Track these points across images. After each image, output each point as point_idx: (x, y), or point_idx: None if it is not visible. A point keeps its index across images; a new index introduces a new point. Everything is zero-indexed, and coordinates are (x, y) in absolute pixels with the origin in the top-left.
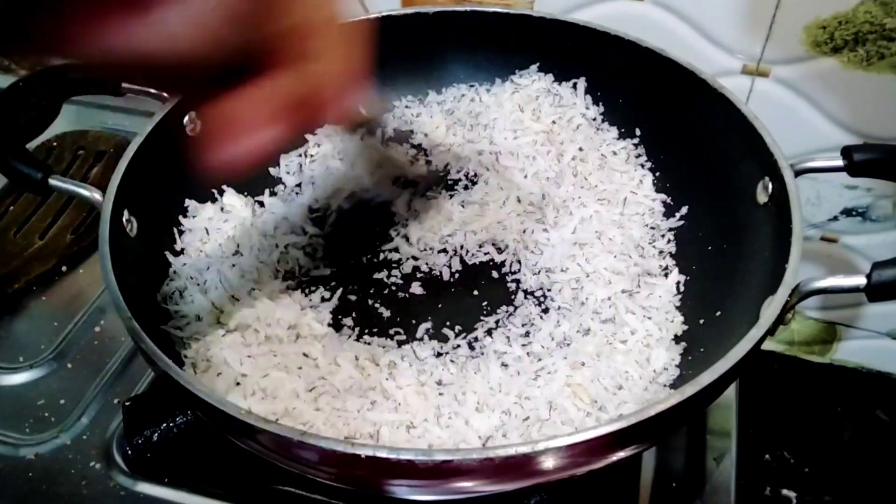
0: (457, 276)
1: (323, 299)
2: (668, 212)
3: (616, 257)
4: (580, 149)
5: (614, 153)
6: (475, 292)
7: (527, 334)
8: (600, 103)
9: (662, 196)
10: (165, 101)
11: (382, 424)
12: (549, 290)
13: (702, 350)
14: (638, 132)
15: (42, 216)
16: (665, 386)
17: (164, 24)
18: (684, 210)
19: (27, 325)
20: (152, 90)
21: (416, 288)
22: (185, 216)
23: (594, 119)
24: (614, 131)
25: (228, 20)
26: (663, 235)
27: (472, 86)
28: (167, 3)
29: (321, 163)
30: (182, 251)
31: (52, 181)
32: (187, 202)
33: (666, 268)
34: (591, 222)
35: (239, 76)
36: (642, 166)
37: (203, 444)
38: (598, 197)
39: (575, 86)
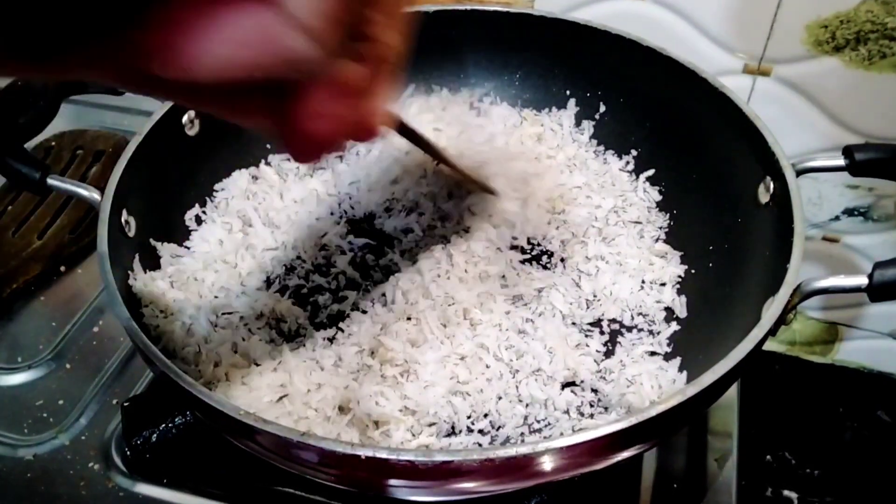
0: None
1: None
2: (669, 211)
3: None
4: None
5: (613, 155)
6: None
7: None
8: (601, 103)
9: (663, 196)
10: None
11: None
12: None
13: (703, 350)
14: (638, 131)
15: (40, 216)
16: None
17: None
18: (685, 209)
19: (25, 325)
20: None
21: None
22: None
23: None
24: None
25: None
26: (664, 234)
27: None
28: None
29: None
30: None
31: (51, 181)
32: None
33: (666, 268)
34: (590, 222)
35: None
36: (642, 164)
37: (202, 445)
38: (596, 197)
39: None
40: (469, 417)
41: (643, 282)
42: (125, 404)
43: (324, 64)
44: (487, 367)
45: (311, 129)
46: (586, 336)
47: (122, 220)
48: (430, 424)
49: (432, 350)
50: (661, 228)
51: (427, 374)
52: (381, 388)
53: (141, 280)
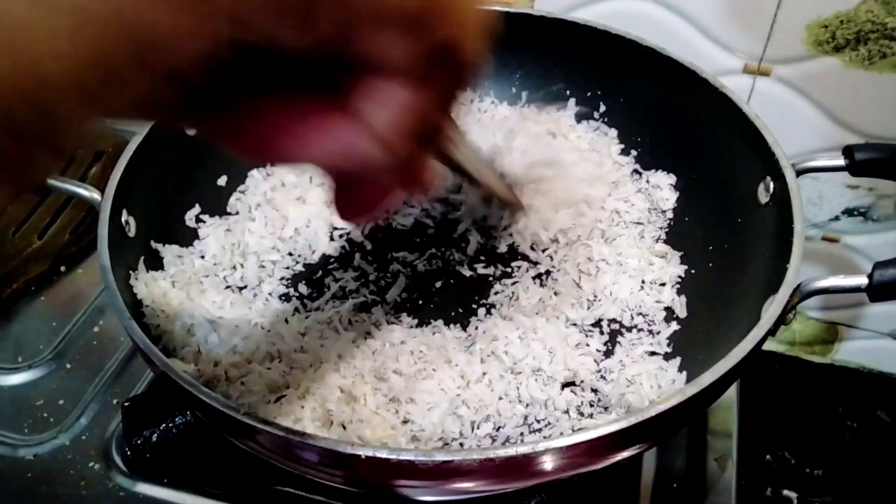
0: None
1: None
2: (669, 211)
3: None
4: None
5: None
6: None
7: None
8: (601, 103)
9: (663, 195)
10: None
11: None
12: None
13: (703, 350)
14: (638, 131)
15: (40, 216)
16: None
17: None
18: (685, 209)
19: (26, 325)
20: None
21: None
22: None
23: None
24: (613, 133)
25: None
26: (664, 235)
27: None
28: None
29: None
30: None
31: (51, 181)
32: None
33: (666, 268)
34: (592, 222)
35: None
36: (642, 165)
37: (202, 445)
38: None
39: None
40: (473, 423)
41: (643, 282)
42: (125, 404)
43: (393, 168)
44: (484, 374)
45: (366, 198)
46: (586, 336)
47: (123, 220)
48: (438, 439)
49: (433, 379)
50: (661, 229)
51: (429, 397)
52: (378, 408)
53: (142, 280)
